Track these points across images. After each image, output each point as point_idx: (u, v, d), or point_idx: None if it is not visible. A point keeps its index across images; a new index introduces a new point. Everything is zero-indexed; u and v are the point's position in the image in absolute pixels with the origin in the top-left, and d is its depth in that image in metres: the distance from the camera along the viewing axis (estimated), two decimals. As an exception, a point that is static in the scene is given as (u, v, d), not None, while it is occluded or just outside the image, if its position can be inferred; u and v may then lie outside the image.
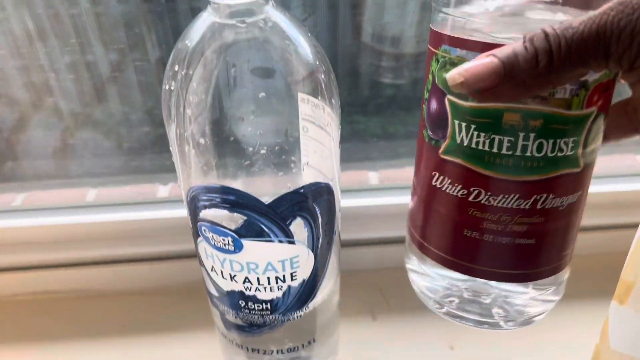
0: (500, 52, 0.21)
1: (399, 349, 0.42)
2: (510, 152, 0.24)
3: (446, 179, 0.26)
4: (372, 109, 0.50)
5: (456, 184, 0.26)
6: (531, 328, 0.29)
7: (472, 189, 0.25)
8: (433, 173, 0.27)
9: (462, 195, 0.26)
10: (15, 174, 0.51)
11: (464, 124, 0.24)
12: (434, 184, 0.27)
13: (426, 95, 0.27)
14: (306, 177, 0.29)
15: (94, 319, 0.44)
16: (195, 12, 0.42)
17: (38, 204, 0.51)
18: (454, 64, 0.24)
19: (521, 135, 0.23)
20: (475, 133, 0.24)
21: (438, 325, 0.42)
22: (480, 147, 0.24)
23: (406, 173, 0.51)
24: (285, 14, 0.27)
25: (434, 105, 0.26)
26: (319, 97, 0.28)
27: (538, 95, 0.22)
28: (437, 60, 0.25)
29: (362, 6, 0.44)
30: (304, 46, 0.27)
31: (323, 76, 0.28)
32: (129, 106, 0.49)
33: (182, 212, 0.48)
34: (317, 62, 0.27)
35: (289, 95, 0.27)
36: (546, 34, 0.20)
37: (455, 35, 0.24)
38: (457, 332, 0.42)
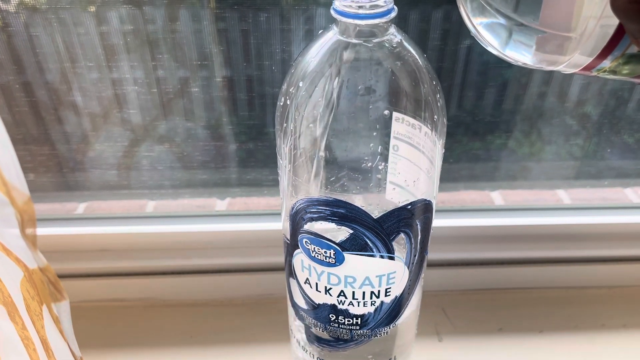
0: None
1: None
2: None
3: None
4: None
5: None
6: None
7: None
8: None
9: None
10: (78, 183, 0.52)
11: None
12: None
13: None
14: (408, 194, 0.29)
15: (161, 329, 0.44)
16: (253, 33, 0.43)
17: (99, 213, 0.52)
18: None
19: None
20: None
21: (508, 347, 0.43)
22: None
23: (457, 196, 0.52)
24: (404, 35, 0.28)
25: None
26: (424, 118, 0.28)
27: None
28: None
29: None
30: (420, 67, 0.28)
31: (436, 97, 0.29)
32: (191, 121, 0.50)
33: (244, 225, 0.48)
34: (434, 83, 0.29)
35: (410, 114, 0.27)
36: None
37: None
38: (527, 355, 0.42)
